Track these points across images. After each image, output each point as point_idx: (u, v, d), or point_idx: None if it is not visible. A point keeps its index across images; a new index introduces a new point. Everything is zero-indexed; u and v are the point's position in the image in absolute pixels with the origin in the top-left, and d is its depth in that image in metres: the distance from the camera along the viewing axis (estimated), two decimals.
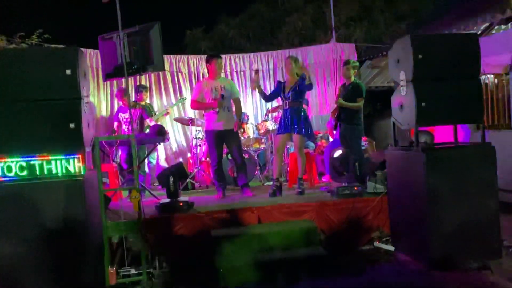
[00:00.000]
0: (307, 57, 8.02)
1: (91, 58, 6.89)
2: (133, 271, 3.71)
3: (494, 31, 6.18)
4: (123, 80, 4.03)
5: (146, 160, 6.42)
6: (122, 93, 6.11)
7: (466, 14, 7.01)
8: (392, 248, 4.33)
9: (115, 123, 6.33)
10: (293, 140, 5.24)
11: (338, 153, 5.07)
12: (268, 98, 5.38)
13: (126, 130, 6.08)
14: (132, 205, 3.76)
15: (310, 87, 5.07)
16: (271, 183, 5.44)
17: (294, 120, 5.05)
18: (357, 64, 5.85)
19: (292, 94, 5.07)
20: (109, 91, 7.14)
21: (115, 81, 6.93)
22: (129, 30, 3.89)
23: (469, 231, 3.76)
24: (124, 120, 6.13)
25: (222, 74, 7.36)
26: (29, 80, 3.39)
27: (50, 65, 3.43)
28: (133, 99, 6.41)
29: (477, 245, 3.77)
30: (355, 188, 4.66)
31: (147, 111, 6.26)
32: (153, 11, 14.95)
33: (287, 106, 5.13)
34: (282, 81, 5.36)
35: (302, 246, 4.10)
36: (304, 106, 7.18)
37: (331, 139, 6.95)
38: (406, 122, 4.03)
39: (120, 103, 6.34)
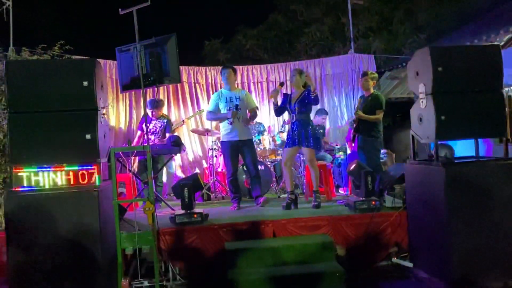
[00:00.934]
0: (325, 68, 7.97)
1: (111, 69, 6.97)
2: (146, 283, 3.69)
3: None
4: (141, 91, 4.05)
5: (163, 171, 6.46)
6: (154, 105, 6.17)
7: (488, 25, 6.88)
8: (410, 265, 4.22)
9: (139, 132, 6.39)
10: (303, 154, 5.18)
11: (352, 166, 4.98)
12: (277, 112, 5.31)
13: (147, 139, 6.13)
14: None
15: (316, 100, 4.98)
16: (286, 195, 5.38)
17: (302, 133, 5.00)
18: (376, 75, 5.76)
19: (298, 106, 5.03)
20: (128, 102, 7.20)
21: (134, 92, 7.00)
22: (146, 42, 3.92)
23: (491, 249, 3.64)
24: (148, 130, 6.19)
25: (240, 85, 7.42)
26: (47, 91, 3.46)
27: (67, 76, 3.49)
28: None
29: (499, 264, 3.64)
30: (373, 202, 4.56)
31: (170, 124, 6.31)
32: (172, 22, 15.17)
33: (294, 119, 5.09)
34: (288, 93, 5.32)
35: (318, 261, 4.02)
36: (323, 118, 7.17)
37: (349, 151, 6.86)
38: (425, 135, 3.94)
39: (149, 113, 6.35)
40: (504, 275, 3.63)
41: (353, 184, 5.10)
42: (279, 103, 5.20)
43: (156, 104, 6.16)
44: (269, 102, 7.79)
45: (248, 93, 5.66)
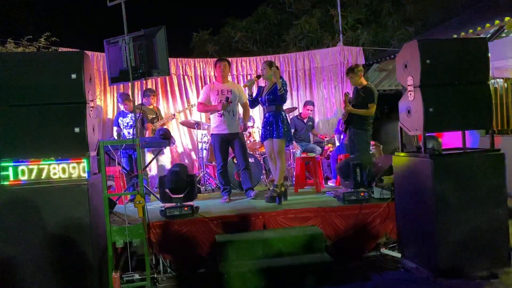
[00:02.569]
0: (314, 60, 7.98)
1: (98, 61, 6.89)
2: (137, 276, 3.69)
3: (504, 35, 6.11)
4: (129, 84, 4.01)
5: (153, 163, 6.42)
6: (124, 98, 6.08)
7: (475, 18, 6.95)
8: (398, 255, 4.29)
9: (115, 128, 6.28)
10: (273, 144, 5.16)
11: (340, 164, 5.02)
12: (251, 103, 5.27)
13: (126, 134, 6.05)
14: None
15: (283, 97, 4.95)
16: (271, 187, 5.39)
17: (273, 125, 5.00)
18: (360, 67, 5.60)
19: (268, 98, 5.02)
20: (115, 94, 7.12)
21: (122, 85, 6.92)
22: (135, 34, 3.87)
23: (477, 239, 3.71)
24: (125, 124, 6.10)
25: (230, 78, 7.38)
26: (35, 84, 3.41)
27: (55, 69, 3.44)
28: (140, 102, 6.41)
29: (485, 254, 3.72)
30: (362, 193, 4.60)
31: (147, 115, 6.20)
32: (160, 13, 15.02)
33: (266, 111, 5.11)
34: (263, 86, 5.31)
35: (308, 252, 4.07)
36: (309, 109, 7.20)
37: (338, 144, 6.91)
38: (413, 128, 3.98)
39: (122, 107, 6.26)
40: (490, 264, 3.71)
41: (341, 176, 5.14)
42: (254, 94, 5.18)
43: (126, 97, 6.03)
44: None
45: (240, 87, 5.64)
